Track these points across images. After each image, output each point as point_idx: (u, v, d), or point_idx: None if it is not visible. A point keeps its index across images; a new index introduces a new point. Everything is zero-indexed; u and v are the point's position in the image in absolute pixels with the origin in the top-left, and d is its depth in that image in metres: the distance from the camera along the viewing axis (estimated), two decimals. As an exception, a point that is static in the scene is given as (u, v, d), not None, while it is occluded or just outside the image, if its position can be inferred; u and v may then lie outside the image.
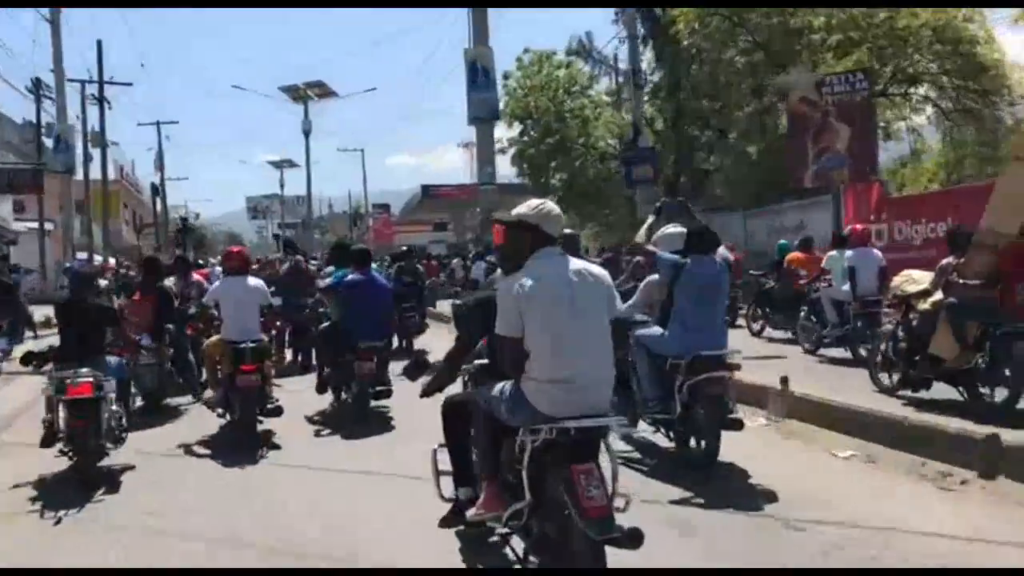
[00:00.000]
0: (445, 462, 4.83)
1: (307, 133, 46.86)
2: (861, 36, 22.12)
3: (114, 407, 6.93)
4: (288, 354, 13.13)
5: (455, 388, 5.04)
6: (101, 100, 34.88)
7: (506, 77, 32.24)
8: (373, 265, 10.24)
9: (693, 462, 6.43)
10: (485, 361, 4.93)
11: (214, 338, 8.47)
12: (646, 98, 29.37)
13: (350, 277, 9.12)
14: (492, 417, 4.23)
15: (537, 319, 3.91)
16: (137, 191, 61.14)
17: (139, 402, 9.30)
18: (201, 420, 8.76)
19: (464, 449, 4.71)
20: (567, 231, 6.52)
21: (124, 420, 7.21)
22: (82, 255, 34.20)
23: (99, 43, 35.35)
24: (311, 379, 10.35)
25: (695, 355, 6.32)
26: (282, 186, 79.32)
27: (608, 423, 3.96)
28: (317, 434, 8.40)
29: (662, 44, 27.59)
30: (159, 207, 55.60)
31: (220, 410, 8.34)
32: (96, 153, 35.44)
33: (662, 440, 6.95)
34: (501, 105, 32.51)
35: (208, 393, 8.66)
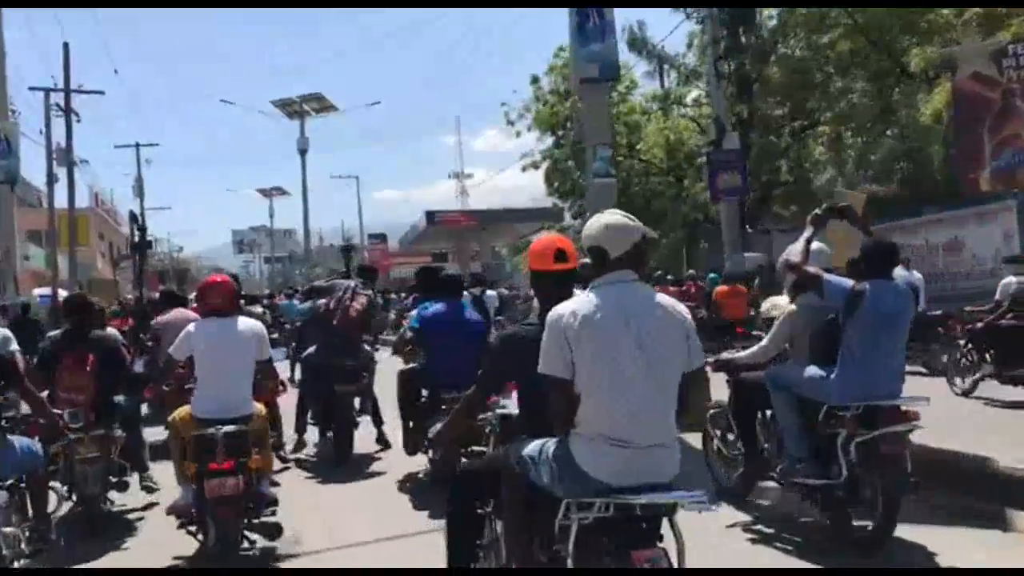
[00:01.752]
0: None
1: (303, 152, 42.26)
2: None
3: (7, 529, 4.64)
4: (311, 436, 9.03)
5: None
6: (68, 111, 30.15)
7: (535, 81, 27.94)
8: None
9: (859, 538, 5.20)
10: (511, 410, 4.31)
11: (182, 410, 5.81)
12: (704, 98, 24.98)
13: (435, 308, 7.30)
14: (527, 484, 3.46)
15: (590, 357, 3.23)
16: (115, 221, 56.33)
17: (65, 506, 6.03)
18: (163, 534, 5.83)
19: (470, 531, 3.90)
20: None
21: (24, 545, 4.85)
22: (42, 290, 29.38)
23: (66, 46, 30.39)
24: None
25: (867, 404, 5.18)
26: (271, 216, 74.88)
27: (687, 499, 3.16)
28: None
29: (736, 34, 23.08)
30: (138, 237, 50.86)
31: (191, 526, 5.51)
32: (63, 173, 30.65)
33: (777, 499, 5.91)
34: (531, 113, 28.22)
35: (177, 496, 5.69)
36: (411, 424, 7.44)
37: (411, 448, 7.41)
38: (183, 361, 5.97)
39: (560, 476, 3.34)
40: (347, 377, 8.32)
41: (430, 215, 48.62)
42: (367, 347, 8.98)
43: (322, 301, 9.15)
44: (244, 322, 5.99)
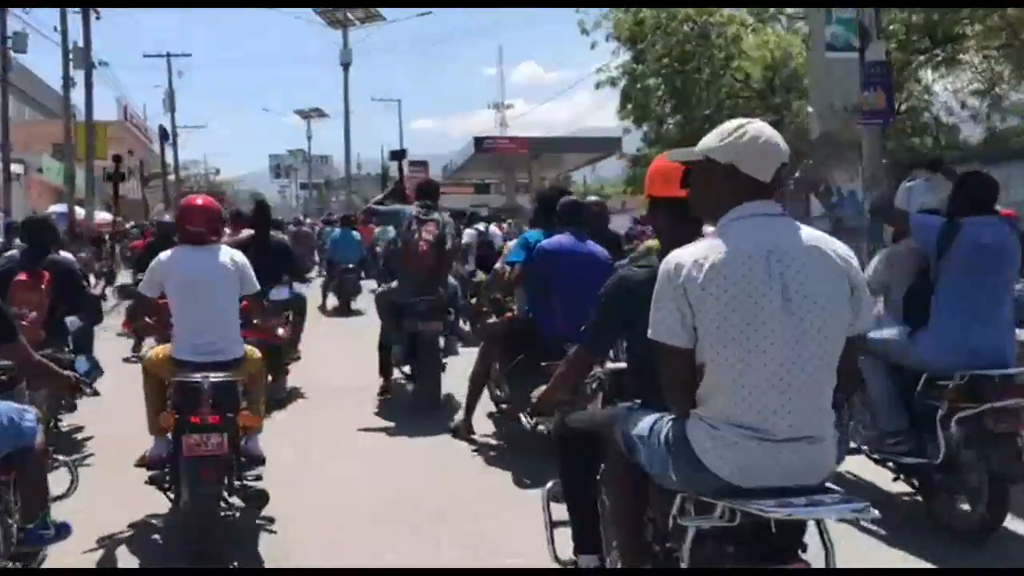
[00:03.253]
0: (563, 510, 3.56)
1: (346, 65, 38.59)
2: None
3: None
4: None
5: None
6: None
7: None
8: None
9: (961, 529, 4.67)
10: (622, 364, 3.56)
11: (160, 349, 5.22)
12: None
13: (557, 241, 6.08)
14: (634, 467, 2.87)
15: (720, 320, 2.49)
16: (146, 137, 53.37)
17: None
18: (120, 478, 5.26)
19: (587, 498, 3.40)
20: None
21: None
22: (58, 207, 26.52)
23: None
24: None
25: (972, 373, 4.51)
26: (309, 138, 71.78)
27: (841, 513, 2.58)
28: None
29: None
30: (169, 155, 48.02)
31: (164, 483, 4.89)
32: (80, 77, 27.42)
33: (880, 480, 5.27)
34: (606, 22, 24.51)
35: (150, 446, 5.01)
36: (506, 391, 6.58)
37: (512, 414, 6.55)
38: (155, 298, 5.29)
39: (675, 466, 2.63)
40: (429, 315, 7.71)
41: (479, 141, 45.47)
42: (451, 279, 8.37)
43: (391, 232, 8.97)
44: (225, 251, 5.30)
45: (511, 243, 7.16)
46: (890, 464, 5.09)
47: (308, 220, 34.89)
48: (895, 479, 5.15)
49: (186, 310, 5.07)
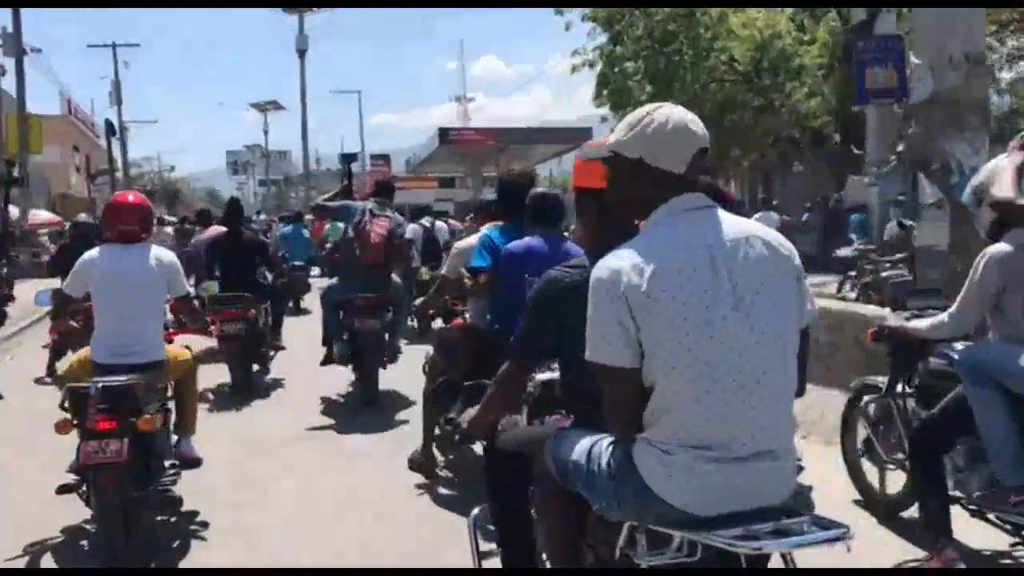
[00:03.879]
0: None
1: (302, 52, 36.52)
2: None
3: None
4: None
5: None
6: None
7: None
8: None
9: None
10: (553, 375, 3.35)
11: (81, 353, 5.10)
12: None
13: (526, 244, 4.88)
14: (570, 495, 2.57)
15: (669, 332, 2.22)
16: (93, 132, 50.85)
17: None
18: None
19: (521, 524, 3.12)
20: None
21: None
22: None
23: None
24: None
25: None
26: (266, 132, 69.21)
27: (821, 540, 2.25)
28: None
29: None
30: (117, 150, 45.66)
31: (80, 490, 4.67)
32: (10, 65, 25.23)
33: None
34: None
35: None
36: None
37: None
38: (80, 298, 5.20)
39: (620, 496, 2.34)
40: (367, 312, 7.78)
41: (443, 132, 43.80)
42: (396, 278, 8.24)
43: (341, 227, 8.84)
44: (155, 251, 5.12)
45: (461, 243, 6.27)
46: (1009, 525, 4.03)
47: (262, 216, 32.93)
48: (1015, 544, 4.11)
49: (107, 310, 4.94)
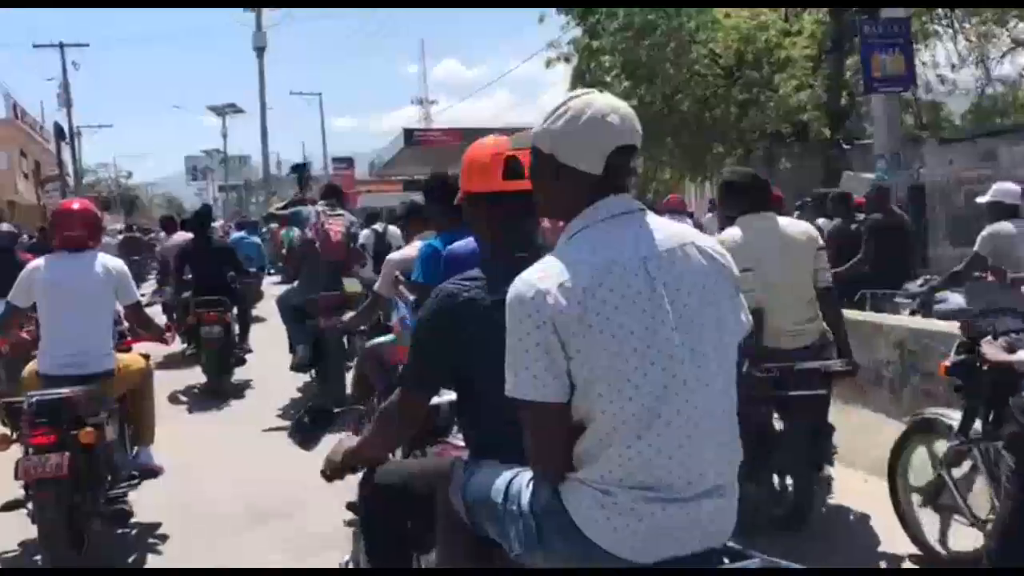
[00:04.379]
0: None
1: (261, 51, 34.89)
2: None
3: None
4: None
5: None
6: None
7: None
8: None
9: None
10: (441, 399, 2.87)
11: (31, 366, 4.99)
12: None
13: (470, 245, 3.75)
14: (480, 538, 2.32)
15: (603, 362, 1.96)
16: (41, 137, 48.78)
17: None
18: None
19: (400, 569, 2.77)
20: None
21: None
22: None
23: None
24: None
25: None
26: (224, 136, 67.44)
27: None
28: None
29: None
30: (68, 155, 43.77)
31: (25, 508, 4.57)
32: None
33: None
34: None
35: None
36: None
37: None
38: (27, 308, 5.10)
39: (546, 543, 2.07)
40: (329, 312, 7.65)
41: (408, 133, 42.81)
42: (355, 278, 8.24)
43: (296, 232, 9.20)
44: (102, 259, 5.06)
45: (396, 255, 5.88)
46: None
47: (218, 223, 31.33)
48: None
49: (55, 320, 4.89)
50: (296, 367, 8.27)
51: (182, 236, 10.36)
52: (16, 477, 4.29)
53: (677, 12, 19.32)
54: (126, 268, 5.21)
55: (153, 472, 5.15)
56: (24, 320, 5.45)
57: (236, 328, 9.53)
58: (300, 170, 11.34)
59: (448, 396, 2.84)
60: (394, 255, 5.82)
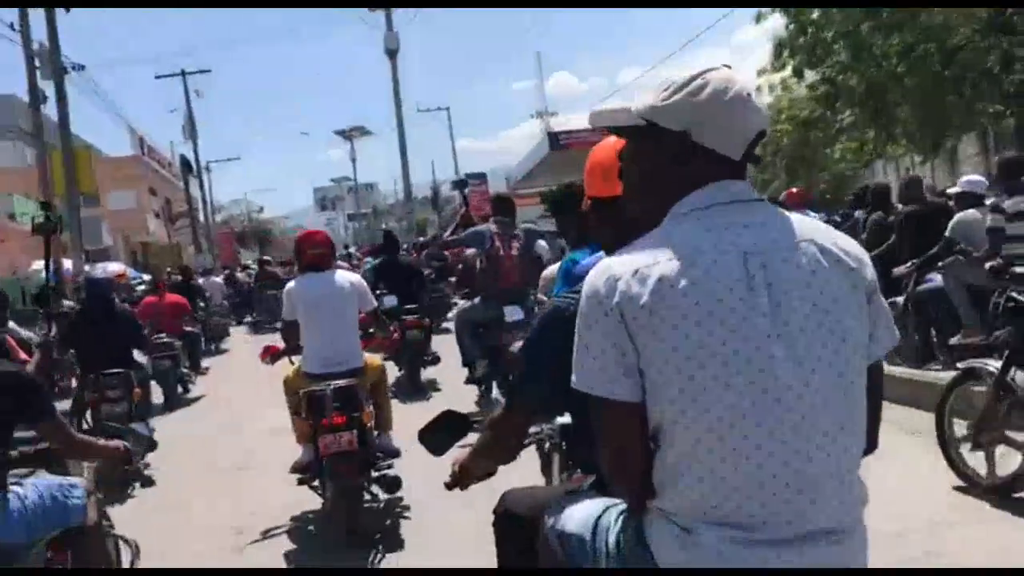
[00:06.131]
0: None
1: (393, 53, 31.84)
2: None
3: None
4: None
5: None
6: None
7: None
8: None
9: None
10: (564, 420, 2.92)
11: (293, 368, 5.96)
12: None
13: (592, 259, 2.99)
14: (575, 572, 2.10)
15: (679, 363, 1.66)
16: (170, 173, 47.38)
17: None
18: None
19: None
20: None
21: None
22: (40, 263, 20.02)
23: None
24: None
25: None
26: (353, 161, 65.26)
27: None
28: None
29: None
30: (196, 189, 41.92)
31: (313, 483, 5.69)
32: (50, 87, 21.02)
33: None
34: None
35: (299, 454, 5.84)
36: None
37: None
38: (292, 319, 5.90)
39: None
40: (515, 327, 7.71)
41: (553, 137, 39.93)
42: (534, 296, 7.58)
43: (471, 252, 9.57)
44: (342, 275, 6.14)
45: (548, 271, 5.68)
46: None
47: (351, 250, 28.75)
48: None
49: (315, 328, 5.74)
50: (475, 380, 8.46)
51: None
52: (319, 451, 5.16)
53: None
54: (362, 280, 6.38)
55: (396, 453, 5.78)
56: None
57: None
58: (463, 186, 10.95)
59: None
60: (547, 271, 5.83)
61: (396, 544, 5.19)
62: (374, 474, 5.49)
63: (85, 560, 3.74)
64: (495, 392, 8.42)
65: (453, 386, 9.47)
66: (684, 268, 1.65)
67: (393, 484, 5.49)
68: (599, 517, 1.96)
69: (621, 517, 1.89)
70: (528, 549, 2.38)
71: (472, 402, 8.36)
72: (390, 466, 5.61)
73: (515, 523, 2.47)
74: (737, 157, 1.77)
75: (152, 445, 7.38)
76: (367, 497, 5.48)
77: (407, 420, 7.63)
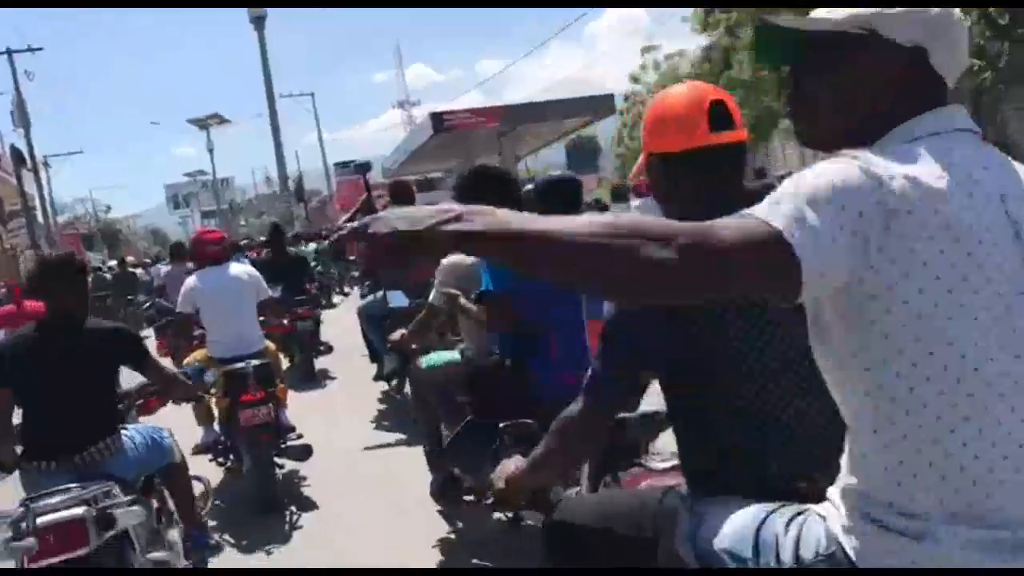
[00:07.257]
0: None
1: (260, 20, 28.30)
2: None
3: (158, 555, 3.98)
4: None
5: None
6: None
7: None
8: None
9: None
10: (639, 412, 2.42)
11: (198, 354, 6.33)
12: None
13: None
14: None
15: (908, 294, 1.29)
16: (5, 171, 42.13)
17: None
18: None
19: None
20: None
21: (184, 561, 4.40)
22: None
23: None
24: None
25: None
26: (211, 151, 60.60)
27: None
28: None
29: None
30: (33, 186, 37.19)
31: (220, 458, 6.18)
32: None
33: None
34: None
35: (199, 437, 6.31)
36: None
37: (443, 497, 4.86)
38: (192, 312, 6.32)
39: None
40: (398, 312, 7.24)
41: (437, 118, 36.79)
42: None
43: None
44: (238, 267, 6.62)
45: (448, 260, 4.88)
46: None
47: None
48: None
49: (219, 318, 6.20)
50: (384, 376, 8.44)
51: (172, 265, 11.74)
52: (240, 424, 5.49)
53: None
54: (256, 271, 6.83)
55: (291, 428, 6.20)
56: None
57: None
58: (365, 170, 10.33)
59: (649, 408, 2.42)
60: (447, 260, 4.88)
61: (309, 505, 5.65)
62: (286, 445, 5.93)
63: (179, 490, 4.42)
64: (407, 387, 8.06)
65: (347, 374, 10.14)
66: (956, 187, 1.30)
67: (304, 452, 5.91)
68: (761, 526, 1.64)
69: (795, 521, 1.58)
70: (588, 559, 2.15)
71: (376, 395, 8.68)
72: (299, 436, 6.09)
73: (571, 532, 2.20)
74: (952, 84, 1.50)
75: None
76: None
77: (304, 404, 8.24)
